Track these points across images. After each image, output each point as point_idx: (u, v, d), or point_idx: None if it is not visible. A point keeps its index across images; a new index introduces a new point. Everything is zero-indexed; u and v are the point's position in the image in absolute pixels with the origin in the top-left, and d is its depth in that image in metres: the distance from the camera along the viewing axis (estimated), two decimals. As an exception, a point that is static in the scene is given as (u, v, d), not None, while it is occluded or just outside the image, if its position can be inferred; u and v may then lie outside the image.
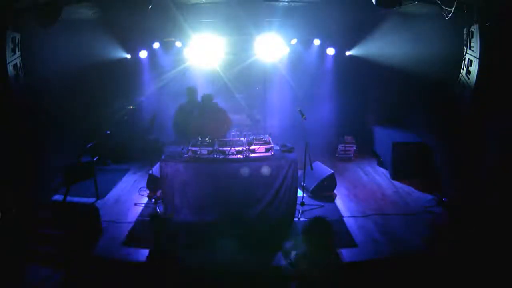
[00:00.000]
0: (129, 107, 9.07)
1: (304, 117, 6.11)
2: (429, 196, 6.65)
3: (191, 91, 7.24)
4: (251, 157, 5.82)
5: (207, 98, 6.97)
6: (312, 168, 6.82)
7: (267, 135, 6.25)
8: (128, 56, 8.77)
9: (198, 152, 5.82)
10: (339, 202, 6.64)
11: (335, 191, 6.93)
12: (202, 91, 7.50)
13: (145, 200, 6.69)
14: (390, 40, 7.54)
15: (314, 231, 3.18)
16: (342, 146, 8.88)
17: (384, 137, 8.22)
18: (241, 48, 8.73)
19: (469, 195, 5.78)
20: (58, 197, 6.59)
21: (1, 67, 5.40)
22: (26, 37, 5.83)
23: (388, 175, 7.75)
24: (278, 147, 6.19)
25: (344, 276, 3.20)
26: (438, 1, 5.26)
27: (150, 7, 5.50)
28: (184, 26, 7.94)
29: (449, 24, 5.56)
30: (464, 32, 5.62)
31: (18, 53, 5.68)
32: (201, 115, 6.88)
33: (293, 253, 3.48)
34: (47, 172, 6.66)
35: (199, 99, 7.11)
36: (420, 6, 5.94)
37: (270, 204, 5.83)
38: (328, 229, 3.16)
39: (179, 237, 5.22)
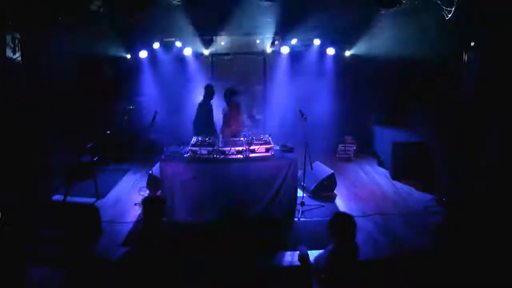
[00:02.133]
0: (129, 107, 9.09)
1: (304, 117, 6.11)
2: (429, 196, 6.65)
3: (231, 93, 7.04)
4: (251, 157, 5.82)
5: (231, 94, 6.97)
6: (312, 168, 6.82)
7: (267, 135, 6.25)
8: (128, 55, 8.77)
9: (198, 152, 5.82)
10: (339, 202, 6.64)
11: (335, 191, 6.93)
12: (202, 91, 7.49)
13: (145, 200, 6.68)
14: (390, 40, 7.54)
15: (343, 224, 3.25)
16: (342, 146, 8.88)
17: (384, 137, 8.22)
18: (241, 48, 8.74)
19: (469, 195, 5.78)
20: (58, 197, 6.59)
21: (1, 67, 5.40)
22: (26, 37, 5.83)
23: (388, 175, 7.75)
24: (278, 147, 6.19)
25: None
26: (438, 1, 5.27)
27: (150, 7, 5.52)
28: (184, 26, 7.95)
29: (449, 24, 5.57)
30: (464, 32, 5.62)
31: (18, 53, 5.68)
32: (225, 111, 6.91)
33: (309, 253, 3.54)
34: (47, 172, 6.65)
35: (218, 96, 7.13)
36: (420, 6, 5.95)
37: (270, 204, 5.82)
38: (352, 221, 3.23)
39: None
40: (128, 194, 6.98)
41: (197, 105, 7.27)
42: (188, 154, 5.84)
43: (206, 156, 5.81)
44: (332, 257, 3.22)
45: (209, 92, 7.24)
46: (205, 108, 7.19)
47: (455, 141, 6.16)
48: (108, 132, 8.74)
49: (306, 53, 8.99)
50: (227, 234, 5.40)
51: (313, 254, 3.58)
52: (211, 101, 7.30)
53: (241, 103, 7.15)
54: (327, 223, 3.29)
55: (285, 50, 8.76)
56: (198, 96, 7.47)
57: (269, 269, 4.81)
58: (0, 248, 4.76)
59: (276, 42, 8.75)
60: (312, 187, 6.79)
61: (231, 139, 6.32)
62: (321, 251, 3.42)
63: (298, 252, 3.60)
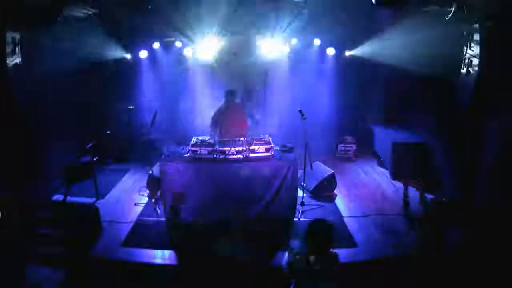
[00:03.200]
0: (129, 107, 9.09)
1: (304, 117, 6.11)
2: (429, 196, 6.65)
3: (230, 94, 6.96)
4: (251, 157, 5.82)
5: (230, 95, 6.89)
6: (312, 168, 6.82)
7: (267, 135, 6.25)
8: (128, 56, 8.77)
9: (198, 152, 5.82)
10: (339, 202, 6.64)
11: (335, 191, 6.93)
12: (202, 91, 7.51)
13: (145, 200, 6.69)
14: (390, 40, 7.53)
15: (314, 231, 3.23)
16: (342, 146, 8.87)
17: (384, 137, 8.21)
18: (241, 48, 8.73)
19: (469, 195, 5.77)
20: (58, 197, 6.59)
21: (1, 67, 5.40)
22: (26, 37, 5.83)
23: (388, 175, 7.74)
24: (278, 147, 6.18)
25: (340, 276, 3.24)
26: (438, 1, 5.27)
27: (149, 7, 5.52)
28: (184, 26, 7.94)
29: (449, 24, 5.57)
30: (464, 32, 5.62)
31: (18, 53, 5.68)
32: (223, 112, 6.88)
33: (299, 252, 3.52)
34: (47, 172, 6.65)
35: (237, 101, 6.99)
36: (420, 6, 5.94)
37: (270, 204, 5.82)
38: (327, 230, 3.20)
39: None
40: (128, 194, 6.98)
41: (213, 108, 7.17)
42: (188, 154, 5.84)
43: (206, 156, 5.81)
44: (296, 261, 3.21)
45: (231, 97, 7.05)
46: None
47: (455, 141, 6.16)
48: (108, 132, 8.74)
49: (306, 53, 8.98)
50: (227, 234, 5.40)
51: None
52: None
53: (242, 104, 7.12)
54: (304, 227, 3.25)
55: (285, 50, 8.76)
56: (198, 96, 7.47)
57: (269, 269, 4.82)
58: (0, 248, 4.77)
59: (276, 42, 8.73)
60: (312, 187, 6.79)
61: (231, 139, 6.31)
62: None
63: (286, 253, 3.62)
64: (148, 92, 9.10)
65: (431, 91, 6.94)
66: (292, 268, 3.25)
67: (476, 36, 5.35)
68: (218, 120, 6.92)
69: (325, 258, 3.21)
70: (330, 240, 3.21)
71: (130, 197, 6.85)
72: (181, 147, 6.10)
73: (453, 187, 6.31)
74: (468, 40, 5.54)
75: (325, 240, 3.21)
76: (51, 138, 6.64)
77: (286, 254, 4.33)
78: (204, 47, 8.33)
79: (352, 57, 8.79)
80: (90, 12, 6.79)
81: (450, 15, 5.30)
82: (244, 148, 5.84)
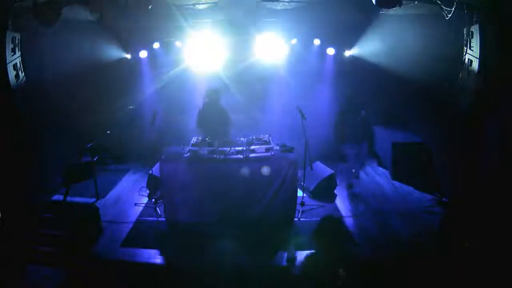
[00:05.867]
0: (129, 107, 9.09)
1: (304, 117, 6.11)
2: (429, 196, 6.65)
3: (212, 92, 6.91)
4: (251, 157, 5.81)
5: (213, 94, 6.84)
6: (312, 168, 6.82)
7: (267, 135, 6.25)
8: (128, 56, 8.77)
9: (198, 152, 5.82)
10: (339, 202, 6.64)
11: (335, 191, 6.93)
12: (201, 90, 7.46)
13: (145, 200, 6.69)
14: (390, 40, 7.54)
15: (327, 231, 3.13)
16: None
17: (384, 137, 8.22)
18: (241, 48, 8.73)
19: (469, 195, 5.78)
20: (58, 197, 6.59)
21: (1, 67, 5.40)
22: (26, 37, 5.83)
23: (388, 175, 7.75)
24: (278, 147, 6.18)
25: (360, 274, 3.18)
26: (438, 1, 5.27)
27: (150, 7, 5.52)
28: (184, 26, 7.94)
29: (449, 24, 5.57)
30: (464, 32, 5.62)
31: (18, 53, 5.67)
32: (205, 111, 6.82)
33: (298, 254, 3.46)
34: (47, 172, 6.66)
35: (219, 99, 6.91)
36: (420, 6, 5.94)
37: (270, 204, 5.81)
38: (340, 228, 3.12)
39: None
40: (128, 194, 6.98)
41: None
42: (188, 154, 5.84)
43: (206, 156, 5.81)
44: (308, 262, 3.13)
45: (215, 96, 6.99)
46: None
47: (455, 141, 6.16)
48: (108, 132, 8.75)
49: (306, 53, 8.98)
50: (227, 234, 5.40)
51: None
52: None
53: (222, 102, 7.00)
54: (315, 227, 3.15)
55: (285, 49, 8.76)
56: (198, 96, 7.44)
57: (269, 269, 4.82)
58: (0, 248, 4.77)
59: (275, 42, 8.72)
60: (312, 187, 6.79)
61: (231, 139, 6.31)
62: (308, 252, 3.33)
63: (285, 253, 3.53)
64: (148, 92, 9.10)
65: (431, 91, 6.95)
66: (304, 270, 3.15)
67: (476, 36, 5.35)
68: (201, 119, 6.86)
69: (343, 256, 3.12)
70: (343, 237, 3.11)
71: (130, 197, 6.86)
72: (181, 147, 6.10)
73: (453, 187, 6.32)
74: (468, 40, 5.54)
75: (338, 237, 3.11)
76: (51, 138, 6.65)
77: (286, 257, 4.30)
78: (203, 47, 8.32)
79: (352, 57, 8.79)
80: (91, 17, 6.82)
81: (450, 15, 5.29)
82: (244, 148, 5.84)
